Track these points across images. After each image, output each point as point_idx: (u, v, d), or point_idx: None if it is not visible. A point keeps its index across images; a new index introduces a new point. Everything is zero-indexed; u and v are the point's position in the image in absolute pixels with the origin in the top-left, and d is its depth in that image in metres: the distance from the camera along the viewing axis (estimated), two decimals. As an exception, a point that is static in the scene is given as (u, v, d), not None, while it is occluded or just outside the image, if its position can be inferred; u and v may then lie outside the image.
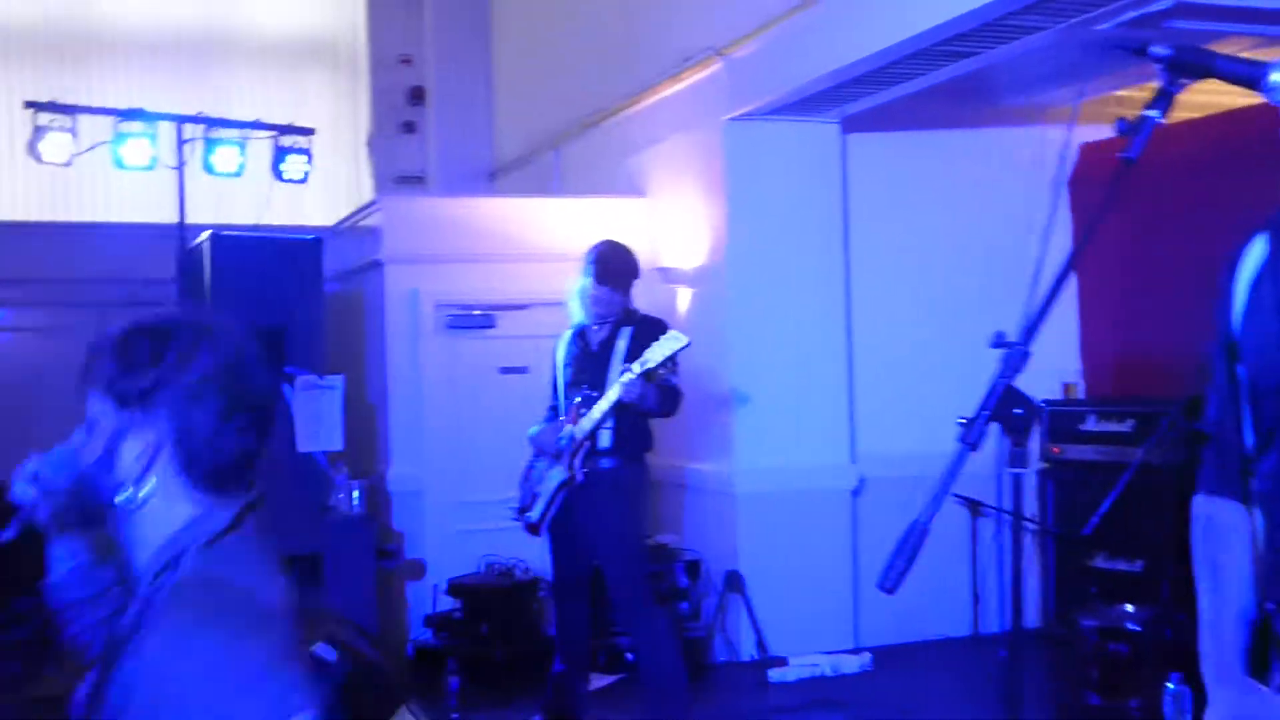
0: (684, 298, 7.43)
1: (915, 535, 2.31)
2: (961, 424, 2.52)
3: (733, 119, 7.08)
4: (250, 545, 1.75)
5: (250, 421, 1.76)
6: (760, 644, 6.72)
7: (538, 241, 7.66)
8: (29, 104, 6.43)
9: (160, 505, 1.73)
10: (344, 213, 9.26)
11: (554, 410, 5.68)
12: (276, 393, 1.82)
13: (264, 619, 1.65)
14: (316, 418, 6.20)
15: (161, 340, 1.73)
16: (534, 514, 5.49)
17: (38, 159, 6.47)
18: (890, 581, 2.34)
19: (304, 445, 6.21)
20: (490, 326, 7.55)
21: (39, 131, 6.43)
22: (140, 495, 1.73)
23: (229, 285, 6.11)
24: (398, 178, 10.05)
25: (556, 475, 5.40)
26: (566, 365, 5.59)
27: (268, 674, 1.58)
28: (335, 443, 6.23)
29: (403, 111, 10.22)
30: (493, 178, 10.28)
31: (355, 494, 6.33)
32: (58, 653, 5.24)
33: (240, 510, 1.76)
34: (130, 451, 1.72)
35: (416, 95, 10.25)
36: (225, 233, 6.28)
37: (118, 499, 1.74)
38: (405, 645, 7.04)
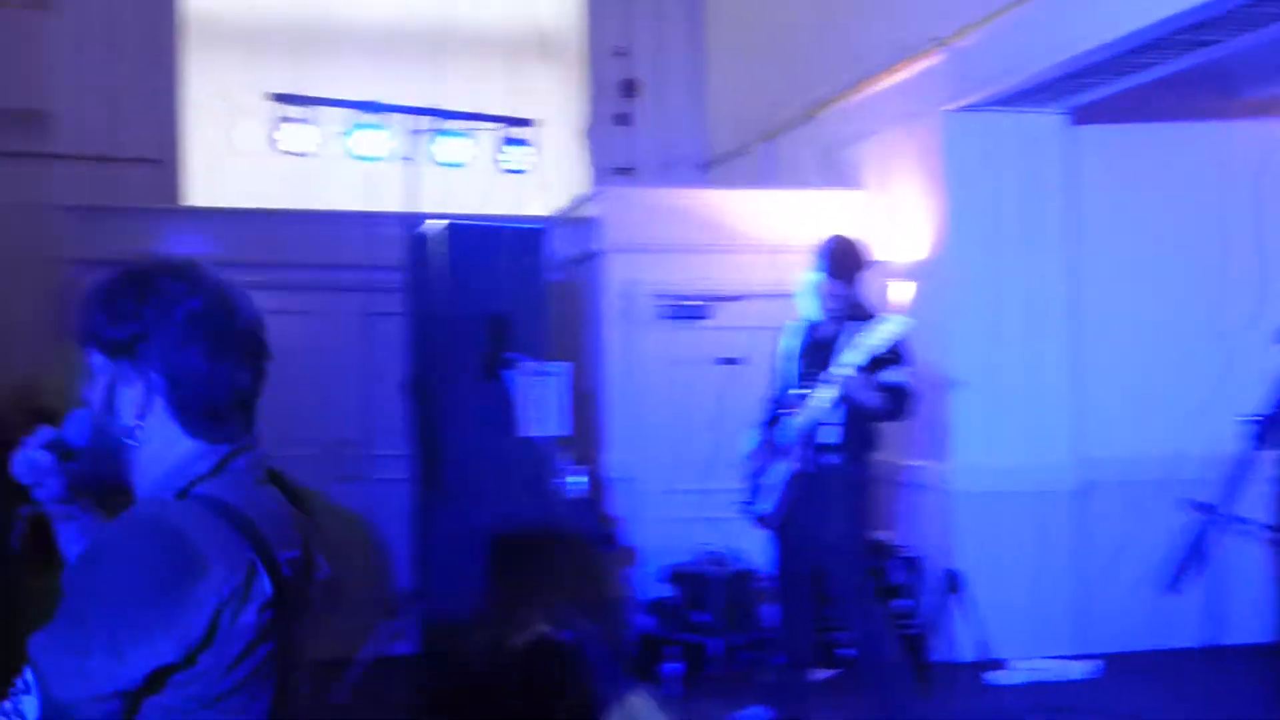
0: (901, 291, 7.33)
1: (1202, 538, 2.24)
2: (1250, 423, 2.42)
3: (954, 110, 6.95)
4: (233, 490, 1.77)
5: (240, 360, 1.80)
6: (980, 645, 6.59)
7: (754, 233, 7.67)
8: (274, 96, 6.69)
9: (158, 448, 1.78)
10: (557, 203, 9.41)
11: (774, 402, 5.68)
12: (263, 330, 1.86)
13: (184, 566, 1.65)
14: (540, 404, 6.32)
15: (142, 288, 1.77)
16: (763, 507, 5.51)
17: (279, 149, 6.73)
18: (1176, 584, 2.27)
19: (526, 430, 6.33)
20: (706, 317, 7.58)
21: (281, 122, 6.69)
22: (140, 439, 1.78)
23: (459, 272, 6.28)
24: (611, 169, 10.16)
25: (783, 468, 5.41)
26: (792, 358, 5.58)
27: (132, 603, 1.62)
28: (559, 428, 6.33)
29: (617, 103, 10.32)
30: (704, 169, 10.31)
31: (578, 478, 6.42)
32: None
33: (225, 456, 1.79)
34: (127, 398, 1.77)
35: (630, 88, 10.34)
36: (456, 221, 6.44)
37: (125, 442, 1.79)
38: (620, 630, 7.13)
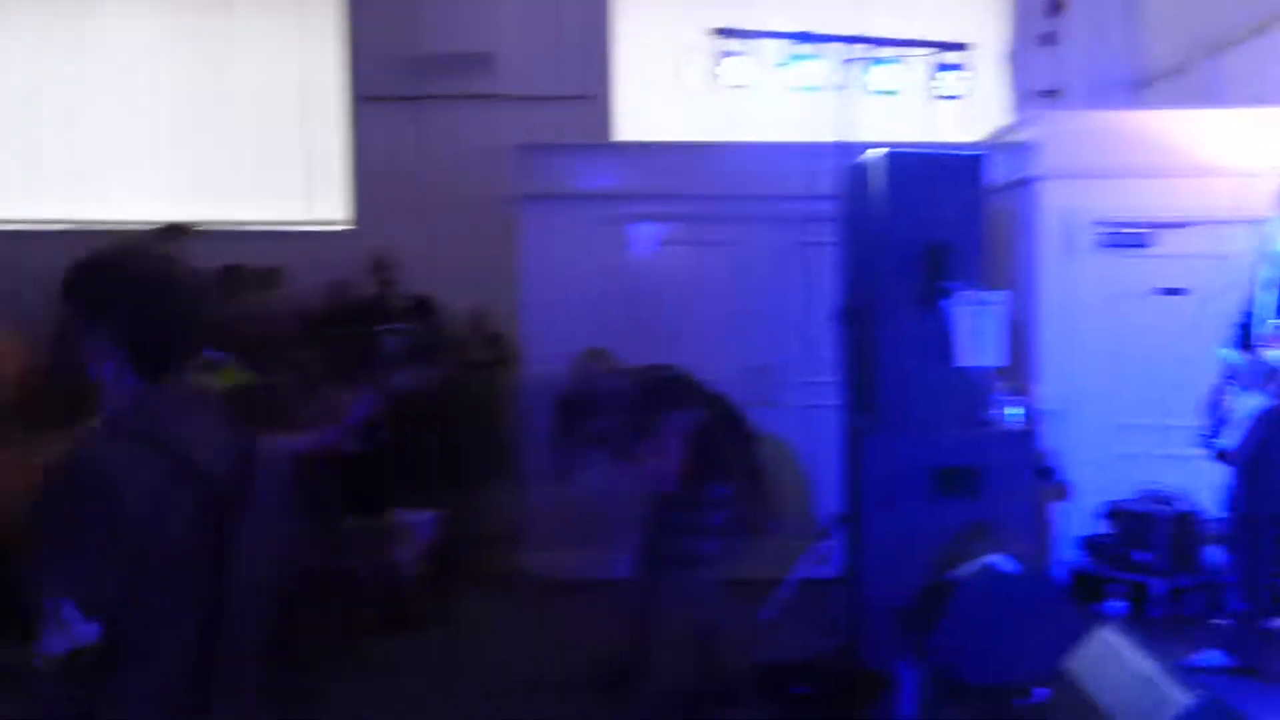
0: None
1: None
2: None
3: None
4: (183, 409, 2.38)
5: (177, 323, 2.37)
6: None
7: (1200, 156, 7.26)
8: (716, 30, 6.85)
9: (118, 381, 2.34)
10: (979, 129, 9.18)
11: (1243, 329, 5.38)
12: (201, 302, 2.45)
13: (104, 495, 2.18)
14: (977, 333, 6.24)
15: (109, 266, 2.37)
16: (1227, 443, 5.26)
17: (720, 84, 6.90)
18: None
19: (962, 360, 6.26)
20: (1147, 245, 7.24)
21: (722, 56, 6.85)
22: (100, 375, 2.34)
23: (898, 200, 6.26)
24: (1035, 92, 9.82)
25: (1252, 401, 5.13)
26: (1270, 286, 5.25)
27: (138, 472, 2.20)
28: (996, 358, 6.23)
29: (1042, 23, 9.93)
30: (1136, 89, 9.78)
31: (1015, 410, 6.32)
32: (753, 533, 5.62)
33: (171, 387, 2.37)
34: (93, 344, 2.33)
35: (1057, 6, 9.92)
36: (895, 149, 6.41)
37: (89, 379, 2.34)
38: (1050, 565, 7.01)
